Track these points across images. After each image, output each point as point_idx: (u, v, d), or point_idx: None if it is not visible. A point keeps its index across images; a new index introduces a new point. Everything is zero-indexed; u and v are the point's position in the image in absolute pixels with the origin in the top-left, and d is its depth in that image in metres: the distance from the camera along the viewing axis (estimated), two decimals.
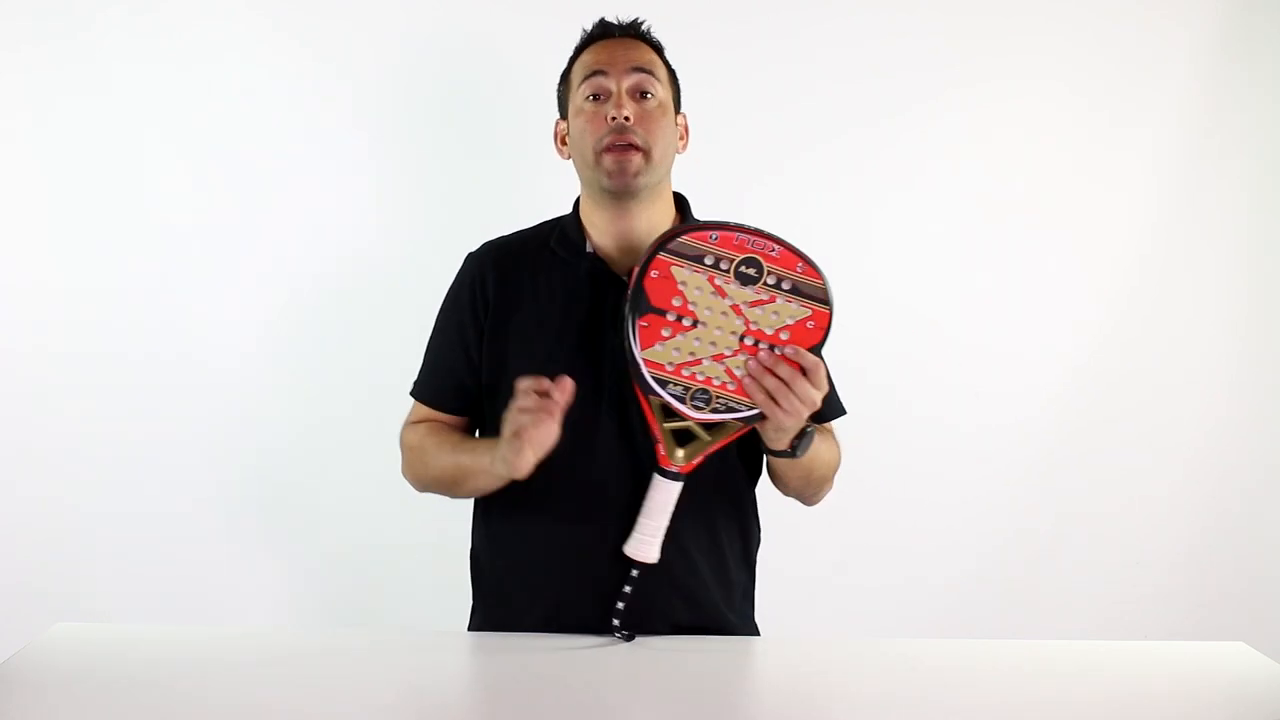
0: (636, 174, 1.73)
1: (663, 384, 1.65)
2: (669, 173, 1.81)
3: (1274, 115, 2.63)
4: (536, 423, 1.58)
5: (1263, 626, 2.53)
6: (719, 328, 1.64)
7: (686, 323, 1.64)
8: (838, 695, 1.56)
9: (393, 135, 2.52)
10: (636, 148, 1.72)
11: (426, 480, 1.83)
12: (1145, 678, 1.61)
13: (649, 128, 1.74)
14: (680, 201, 1.85)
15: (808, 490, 1.83)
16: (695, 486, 1.69)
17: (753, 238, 1.64)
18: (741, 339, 1.64)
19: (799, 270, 1.64)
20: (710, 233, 1.64)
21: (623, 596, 1.68)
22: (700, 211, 1.86)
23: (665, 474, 1.67)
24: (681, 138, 1.83)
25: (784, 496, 1.85)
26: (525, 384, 1.60)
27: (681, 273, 1.63)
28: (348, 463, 2.50)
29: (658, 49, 1.82)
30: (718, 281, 1.64)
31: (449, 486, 1.80)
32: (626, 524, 1.70)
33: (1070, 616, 2.63)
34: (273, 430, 2.52)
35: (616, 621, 1.68)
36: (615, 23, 1.81)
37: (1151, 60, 2.59)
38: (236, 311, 2.50)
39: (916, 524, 2.61)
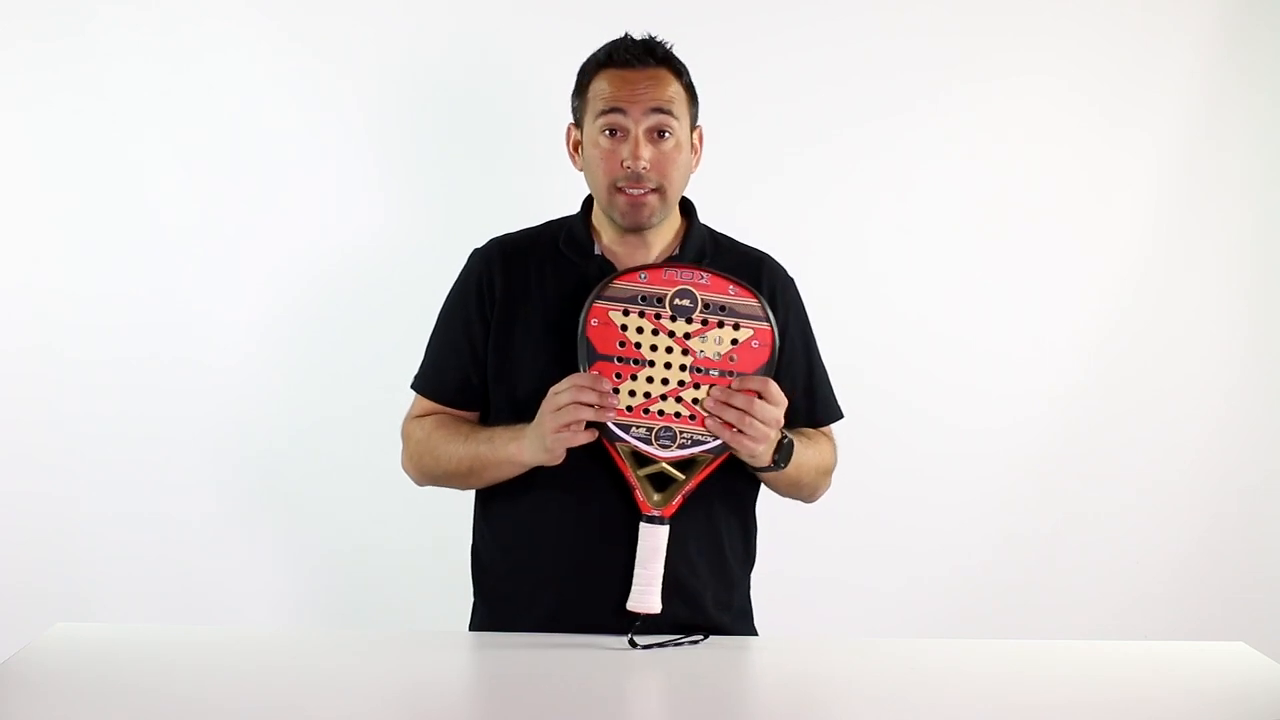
0: (650, 214, 1.75)
1: (625, 429, 1.66)
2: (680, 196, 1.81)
3: (1274, 115, 2.63)
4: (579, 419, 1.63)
5: (1263, 626, 2.53)
6: (667, 363, 1.67)
7: (635, 364, 1.66)
8: (837, 695, 1.56)
9: (394, 135, 2.52)
10: (651, 190, 1.73)
11: (436, 473, 1.82)
12: (1145, 678, 1.61)
13: (664, 170, 1.74)
14: (686, 206, 1.85)
15: (800, 495, 1.84)
16: (698, 487, 1.70)
17: (679, 270, 1.69)
18: (692, 370, 1.67)
19: (731, 293, 1.69)
20: (639, 273, 1.69)
21: (636, 629, 1.67)
22: (703, 213, 1.86)
23: (649, 520, 1.68)
24: (695, 152, 1.80)
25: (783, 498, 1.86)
26: (584, 380, 1.64)
27: (620, 317, 1.68)
28: (348, 463, 2.50)
29: (679, 72, 1.77)
30: (656, 319, 1.67)
31: (463, 478, 1.79)
32: (630, 521, 1.70)
33: (1070, 616, 2.63)
34: (273, 431, 2.52)
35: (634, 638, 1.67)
36: (637, 44, 1.75)
37: (1152, 60, 2.59)
38: (237, 312, 2.50)
39: (916, 524, 2.61)
